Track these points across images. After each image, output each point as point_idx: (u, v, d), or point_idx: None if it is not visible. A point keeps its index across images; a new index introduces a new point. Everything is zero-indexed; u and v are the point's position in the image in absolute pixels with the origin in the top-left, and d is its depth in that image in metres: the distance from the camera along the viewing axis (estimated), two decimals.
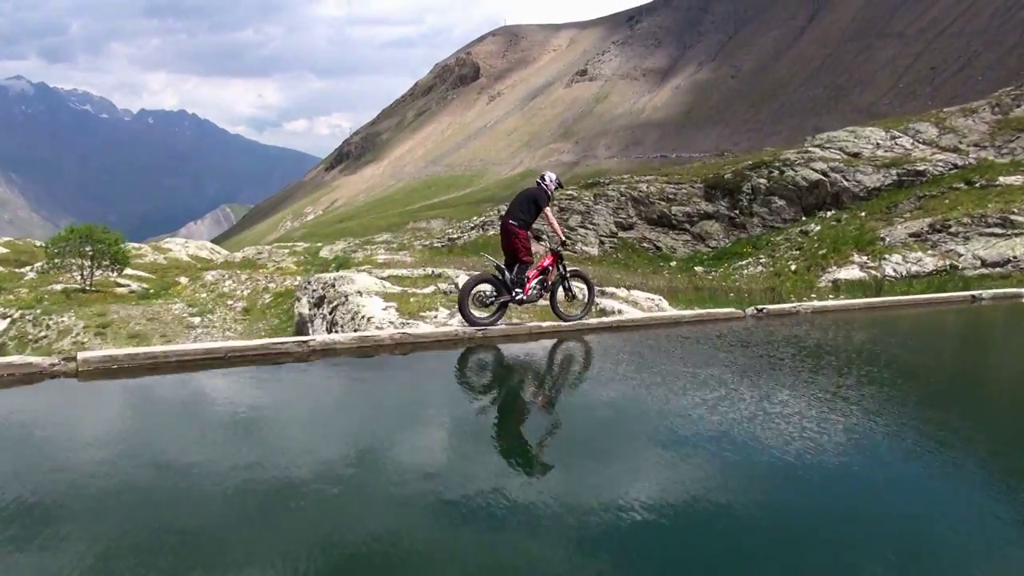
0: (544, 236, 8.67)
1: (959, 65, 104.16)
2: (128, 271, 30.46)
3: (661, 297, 13.78)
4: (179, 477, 3.64)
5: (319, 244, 57.61)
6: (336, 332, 14.80)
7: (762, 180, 27.32)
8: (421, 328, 11.63)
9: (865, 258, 20.25)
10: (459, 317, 12.70)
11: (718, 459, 3.98)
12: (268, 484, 3.53)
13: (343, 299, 15.55)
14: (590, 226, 29.07)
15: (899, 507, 3.47)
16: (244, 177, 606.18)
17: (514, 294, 7.68)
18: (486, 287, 7.74)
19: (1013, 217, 19.31)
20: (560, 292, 8.21)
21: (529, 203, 7.91)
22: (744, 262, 24.03)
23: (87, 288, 27.16)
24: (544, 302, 8.26)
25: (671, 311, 11.66)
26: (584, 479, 3.74)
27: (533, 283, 7.87)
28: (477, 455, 4.19)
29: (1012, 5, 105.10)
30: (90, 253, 27.09)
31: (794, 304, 9.17)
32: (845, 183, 25.58)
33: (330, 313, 15.77)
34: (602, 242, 28.55)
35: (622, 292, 14.08)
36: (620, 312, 11.63)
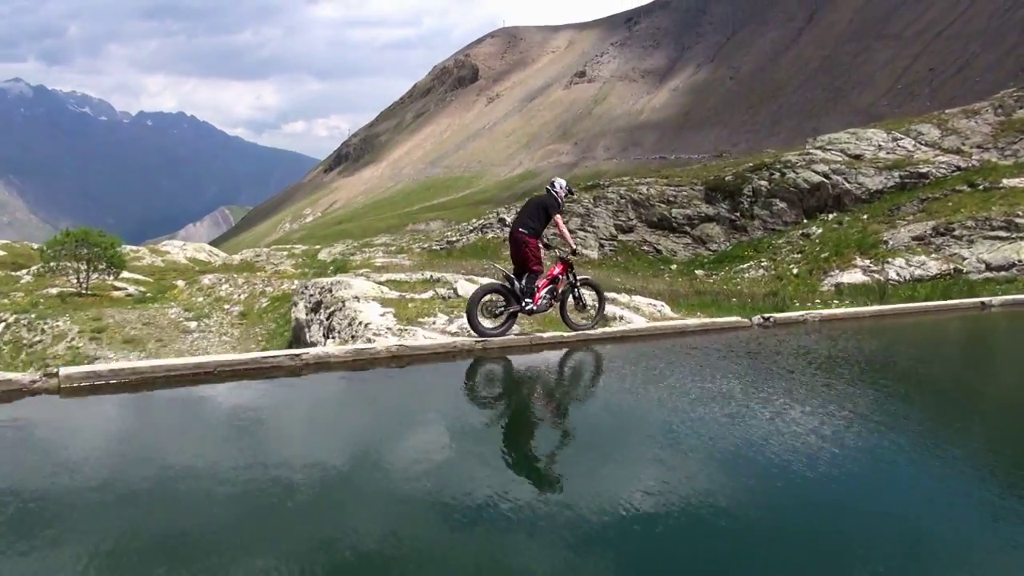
0: (554, 245, 8.45)
1: (957, 66, 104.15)
2: (125, 274, 30.24)
3: (663, 303, 13.56)
4: (165, 501, 3.44)
5: (318, 246, 57.41)
6: (333, 338, 14.58)
7: (763, 182, 27.12)
8: (419, 340, 11.42)
9: (868, 261, 20.04)
10: (457, 323, 12.53)
11: (730, 481, 3.77)
12: (261, 507, 3.33)
13: (340, 304, 15.29)
14: (590, 229, 28.86)
15: (936, 542, 3.26)
16: (243, 179, 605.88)
17: (524, 304, 7.49)
18: (495, 297, 7.55)
19: (1018, 220, 19.11)
20: (570, 301, 8.01)
21: (539, 211, 7.73)
22: (745, 265, 23.82)
23: (83, 292, 26.95)
24: (554, 312, 8.05)
25: (675, 318, 11.43)
26: (588, 502, 3.53)
27: (543, 292, 7.68)
28: (479, 474, 3.97)
29: (1010, 6, 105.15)
30: (86, 256, 26.87)
31: (801, 313, 8.95)
32: (847, 185, 25.38)
33: (327, 319, 15.52)
34: (602, 245, 28.34)
35: (624, 298, 13.86)
36: (622, 318, 11.41)
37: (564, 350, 7.31)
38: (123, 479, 3.78)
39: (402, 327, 12.38)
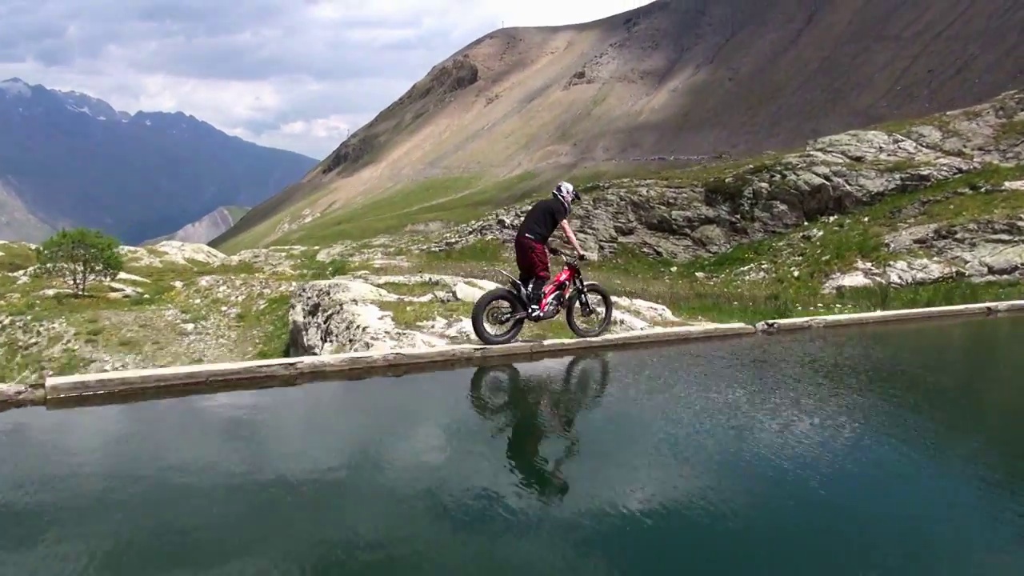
0: (561, 250, 8.30)
1: (956, 68, 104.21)
2: (122, 275, 30.06)
3: (664, 307, 13.41)
4: (155, 518, 3.30)
5: (316, 247, 57.28)
6: (330, 341, 14.43)
7: (763, 184, 27.00)
8: (416, 347, 11.27)
9: (869, 264, 19.93)
10: (456, 327, 12.37)
11: (737, 498, 3.62)
12: (255, 524, 3.19)
13: (338, 308, 15.13)
14: (589, 231, 28.73)
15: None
16: (242, 179, 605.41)
17: (530, 310, 7.36)
18: (501, 303, 7.42)
19: (1020, 223, 19.00)
20: (577, 307, 7.90)
21: (545, 216, 7.60)
22: (746, 268, 23.70)
23: (80, 293, 26.76)
24: (561, 318, 7.91)
25: (677, 323, 11.30)
26: (591, 518, 3.38)
27: (550, 299, 7.57)
28: (481, 491, 3.83)
29: (1009, 8, 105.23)
30: (83, 258, 26.68)
31: (805, 319, 8.80)
32: (848, 187, 25.26)
33: (324, 322, 15.36)
34: (602, 247, 28.21)
35: (624, 301, 13.71)
36: (622, 323, 11.26)
37: (566, 358, 7.16)
38: (112, 496, 3.64)
39: (400, 331, 12.23)
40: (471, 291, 15.25)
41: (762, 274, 22.65)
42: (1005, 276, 17.70)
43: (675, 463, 4.27)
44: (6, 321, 22.66)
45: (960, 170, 24.26)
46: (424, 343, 11.33)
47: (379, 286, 17.91)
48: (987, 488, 4.00)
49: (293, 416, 5.36)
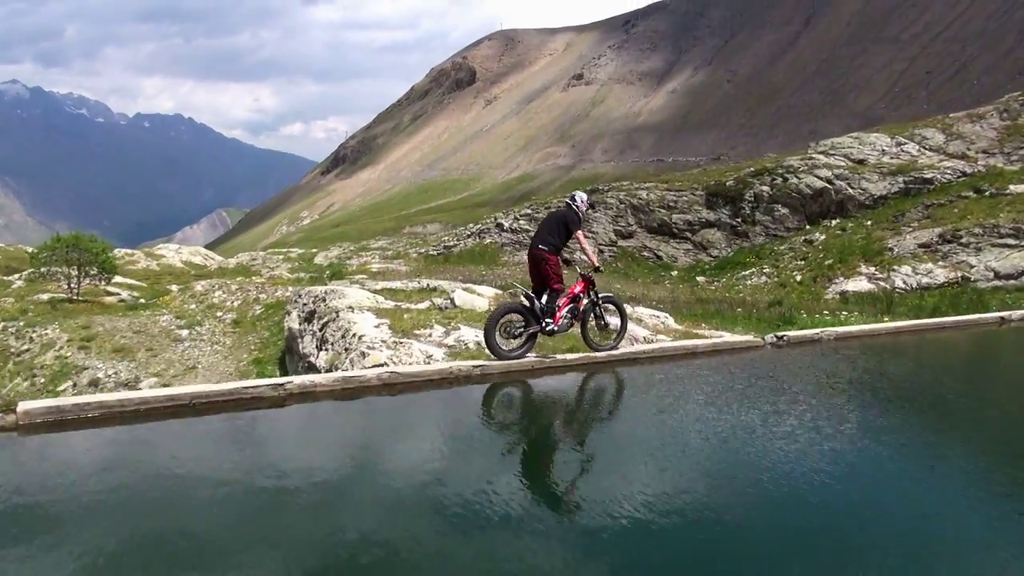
0: (574, 261, 8.02)
1: (954, 69, 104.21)
2: (118, 279, 29.77)
3: (667, 314, 13.13)
4: (134, 555, 3.01)
5: (314, 250, 57.03)
6: (326, 350, 14.15)
7: (765, 187, 26.74)
8: (412, 365, 10.97)
9: (873, 269, 19.66)
10: (454, 336, 12.09)
11: (755, 536, 3.34)
12: (239, 559, 2.90)
13: (334, 315, 14.84)
14: (589, 234, 28.44)
15: None
16: (240, 181, 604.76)
17: (544, 324, 7.13)
18: (515, 317, 7.18)
19: None
20: (591, 320, 7.67)
21: (559, 226, 7.37)
22: (747, 272, 23.42)
23: (74, 298, 26.45)
24: (575, 331, 7.64)
25: (680, 332, 11.01)
26: (598, 552, 3.10)
27: (564, 311, 7.33)
28: (481, 523, 3.54)
29: (1007, 9, 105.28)
30: (78, 262, 26.38)
31: (815, 330, 8.53)
32: (850, 191, 25.00)
33: (320, 330, 15.07)
34: (601, 251, 27.92)
35: (626, 308, 13.43)
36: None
37: (569, 375, 6.88)
38: (89, 531, 3.35)
39: (397, 339, 11.94)
40: (469, 298, 14.97)
41: (764, 279, 22.38)
42: (1012, 281, 17.44)
43: (684, 495, 3.99)
44: None
45: (964, 173, 24.00)
46: (421, 352, 11.06)
47: (376, 292, 17.62)
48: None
49: (282, 441, 5.06)
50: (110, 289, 28.55)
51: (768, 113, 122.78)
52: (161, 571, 3.01)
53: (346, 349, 12.92)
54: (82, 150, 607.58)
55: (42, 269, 27.93)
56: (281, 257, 49.81)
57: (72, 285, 26.53)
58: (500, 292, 16.40)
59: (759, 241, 25.83)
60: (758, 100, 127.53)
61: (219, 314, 24.00)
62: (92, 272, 27.22)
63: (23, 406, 4.68)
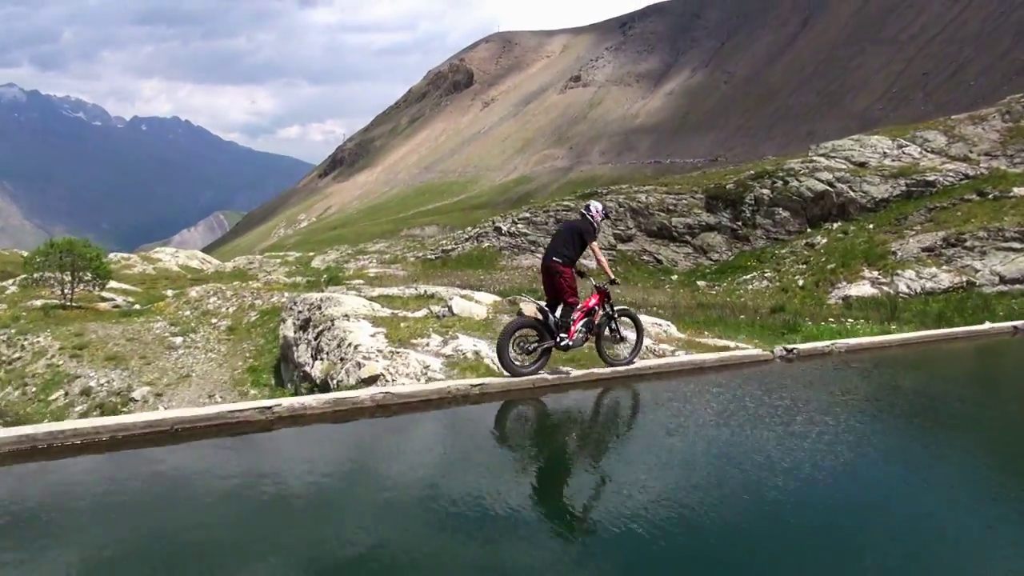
0: (588, 272, 7.75)
1: (951, 70, 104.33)
2: (113, 284, 29.49)
3: (668, 322, 12.86)
4: None
5: (311, 253, 56.75)
6: (321, 359, 13.87)
7: (765, 190, 26.50)
8: (411, 364, 10.70)
9: (876, 273, 19.41)
10: (452, 345, 11.81)
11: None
12: None
13: (329, 323, 14.54)
14: None
15: None
16: (238, 184, 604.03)
17: (558, 339, 6.88)
18: (528, 332, 6.94)
19: None
20: (607, 334, 7.45)
21: (574, 237, 7.13)
22: (748, 276, 23.16)
23: (68, 304, 26.15)
24: (587, 346, 7.39)
25: (683, 341, 10.73)
26: None
27: (579, 326, 7.08)
28: (486, 556, 3.26)
29: (1003, 11, 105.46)
30: (71, 267, 26.09)
31: (826, 343, 8.27)
32: (852, 194, 24.76)
33: (315, 338, 14.77)
34: None
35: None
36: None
37: (571, 393, 6.59)
38: (65, 570, 3.06)
39: (394, 349, 11.67)
40: (467, 306, 14.69)
41: (765, 283, 22.12)
42: (1018, 286, 17.21)
43: (697, 532, 3.71)
44: None
45: (967, 176, 23.77)
46: (418, 362, 10.79)
47: (372, 299, 17.32)
48: None
49: (271, 469, 4.76)
50: (104, 294, 28.26)
51: (766, 114, 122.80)
52: None
53: (341, 359, 12.64)
54: (79, 153, 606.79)
55: (35, 275, 27.67)
56: (278, 261, 49.53)
57: (66, 291, 26.25)
58: (499, 299, 16.12)
59: (760, 245, 25.58)
60: (756, 101, 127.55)
61: (214, 321, 23.68)
62: (86, 278, 26.95)
63: None
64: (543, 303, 7.22)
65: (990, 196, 21.55)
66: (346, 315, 14.68)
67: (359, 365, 11.29)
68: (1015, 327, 10.11)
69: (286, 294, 24.17)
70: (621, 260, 27.57)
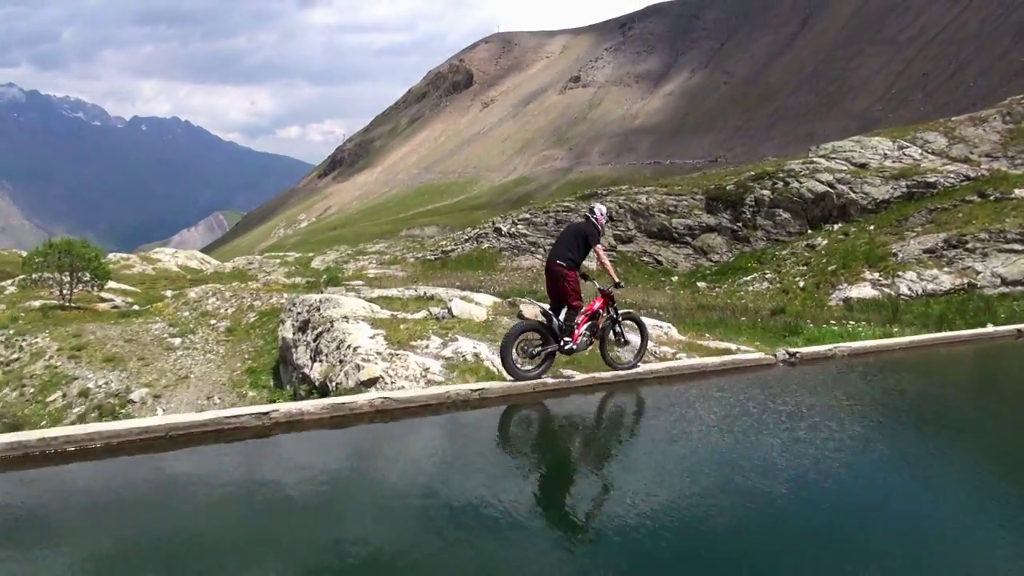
0: (592, 275, 7.69)
1: (950, 71, 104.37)
2: (112, 284, 29.44)
3: (669, 324, 12.79)
4: None
5: (311, 254, 56.72)
6: (320, 361, 13.80)
7: (766, 192, 26.45)
8: (410, 367, 10.63)
9: (877, 275, 19.35)
10: (451, 347, 11.74)
11: None
12: None
13: (328, 325, 14.47)
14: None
15: None
16: (237, 184, 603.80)
17: (562, 343, 6.82)
18: (532, 335, 6.88)
19: None
20: (611, 337, 7.38)
21: (578, 240, 7.05)
22: (749, 277, 23.11)
23: (66, 305, 26.08)
24: (588, 350, 7.34)
25: (684, 343, 10.68)
26: None
27: (582, 329, 7.02)
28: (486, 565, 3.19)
29: (1002, 12, 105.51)
30: (70, 267, 26.02)
31: (828, 347, 8.20)
32: (852, 195, 24.71)
33: (314, 340, 14.70)
34: None
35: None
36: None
37: (572, 397, 6.51)
38: None
39: (393, 351, 11.62)
40: (467, 307, 14.63)
41: (766, 284, 22.07)
42: (1019, 287, 17.15)
43: (702, 545, 3.64)
44: None
45: (968, 177, 23.72)
46: (418, 364, 10.72)
47: (372, 300, 17.27)
48: None
49: (268, 476, 4.69)
50: (103, 295, 28.20)
51: (765, 115, 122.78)
52: None
53: (340, 361, 12.58)
54: (79, 153, 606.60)
55: (34, 275, 27.62)
56: (278, 261, 49.51)
57: (64, 292, 26.18)
58: (499, 301, 16.05)
59: (760, 246, 25.53)
60: (755, 102, 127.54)
61: (212, 322, 23.61)
62: (85, 278, 26.89)
63: None
64: (545, 306, 7.16)
65: (991, 198, 21.49)
66: (345, 317, 14.61)
67: (358, 367, 11.23)
68: (1019, 330, 10.03)
69: (285, 295, 24.10)
70: (621, 261, 27.51)
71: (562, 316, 6.89)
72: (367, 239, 72.71)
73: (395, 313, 15.18)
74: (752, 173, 28.43)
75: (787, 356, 7.67)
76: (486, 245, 31.47)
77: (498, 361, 11.14)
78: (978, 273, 17.97)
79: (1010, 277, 17.43)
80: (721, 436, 5.39)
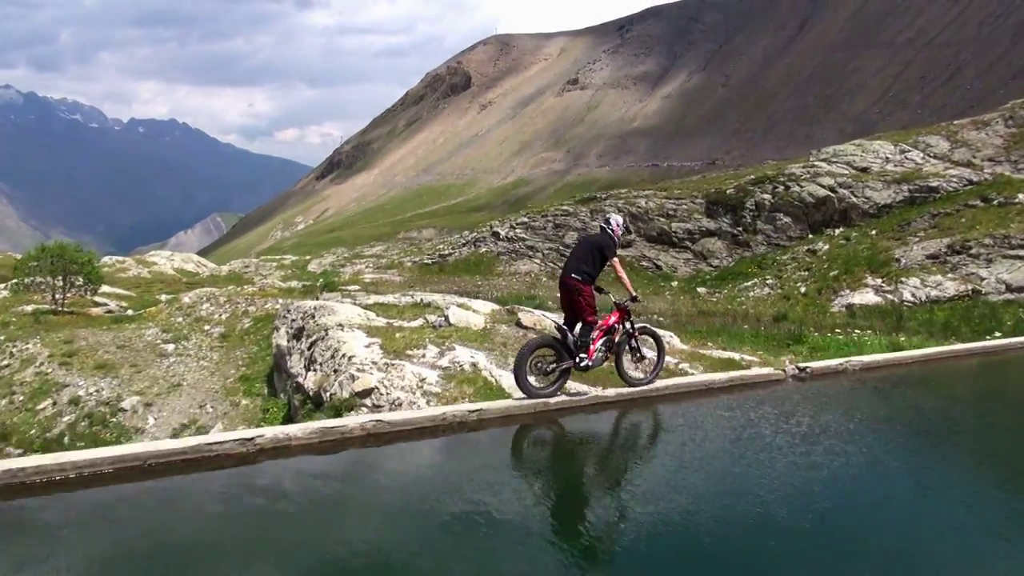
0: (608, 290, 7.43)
1: (948, 74, 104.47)
2: (106, 288, 29.14)
3: (672, 333, 12.51)
4: None
5: (307, 256, 56.45)
6: (314, 370, 13.51)
7: (766, 196, 26.21)
8: (406, 377, 10.35)
9: (880, 281, 19.10)
10: (448, 357, 11.46)
11: None
12: None
13: (323, 333, 14.18)
14: None
15: None
16: (235, 186, 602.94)
17: (578, 359, 6.56)
18: (546, 351, 6.62)
19: None
20: (627, 352, 7.14)
21: (593, 252, 6.80)
22: (749, 283, 22.86)
23: (59, 310, 25.76)
24: (604, 365, 7.08)
25: (687, 353, 10.40)
26: None
27: (598, 344, 6.76)
28: None
29: (999, 15, 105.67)
30: (62, 271, 25.70)
31: (839, 361, 7.92)
32: (854, 199, 24.47)
33: (308, 349, 14.41)
34: None
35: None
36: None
37: (575, 417, 6.22)
38: None
39: (389, 360, 11.34)
40: (464, 315, 14.36)
41: (767, 290, 21.81)
42: None
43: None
44: None
45: (970, 181, 23.48)
46: (414, 374, 10.44)
47: (367, 307, 16.99)
48: None
49: (252, 509, 4.39)
50: (97, 299, 27.89)
51: (762, 117, 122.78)
52: None
53: (335, 370, 12.31)
54: (76, 155, 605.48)
55: (26, 280, 27.32)
56: (274, 264, 49.23)
57: (57, 296, 25.86)
58: (497, 308, 15.77)
59: (761, 251, 25.29)
60: (753, 104, 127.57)
61: (206, 327, 23.30)
62: (77, 283, 26.59)
63: None
64: (553, 315, 6.90)
65: (995, 202, 21.25)
66: (340, 325, 14.32)
67: (353, 378, 10.96)
68: None
69: (280, 301, 23.80)
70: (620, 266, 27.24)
71: (577, 331, 6.64)
72: (364, 241, 72.44)
73: (391, 321, 14.90)
74: (752, 177, 28.17)
75: (797, 371, 7.40)
76: (484, 249, 31.19)
77: (496, 371, 10.88)
78: (982, 279, 17.73)
79: (1015, 284, 17.19)
80: (732, 462, 5.10)
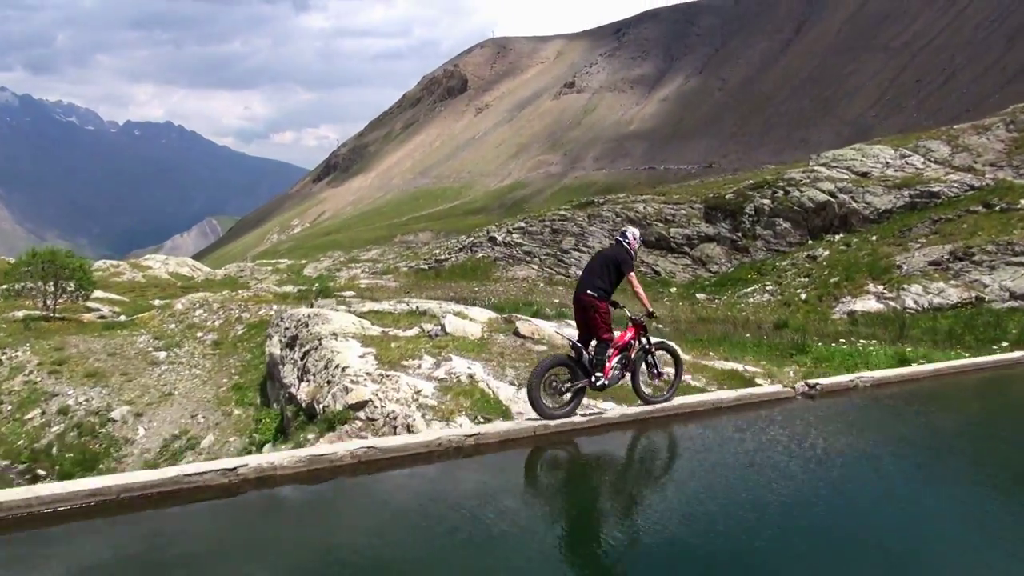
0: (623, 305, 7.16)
1: (943, 78, 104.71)
2: (99, 293, 28.77)
3: (673, 344, 12.22)
4: None
5: (303, 260, 56.12)
6: (307, 381, 13.22)
7: (765, 200, 25.98)
8: (401, 388, 10.08)
9: (881, 287, 18.87)
10: (444, 368, 11.18)
11: None
12: None
13: (316, 343, 13.88)
14: (584, 249, 27.60)
15: None
16: (231, 189, 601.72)
17: (593, 379, 6.36)
18: (560, 370, 6.41)
19: None
20: (643, 369, 6.94)
21: (609, 267, 6.56)
22: (749, 289, 22.61)
23: (50, 316, 25.40)
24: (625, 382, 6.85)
25: (689, 371, 10.12)
26: None
27: (614, 362, 6.56)
28: None
29: (995, 19, 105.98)
30: (54, 277, 25.34)
31: (850, 376, 7.68)
32: (854, 204, 24.26)
33: (302, 358, 14.10)
34: None
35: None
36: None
37: (576, 441, 5.94)
38: None
39: (383, 371, 11.07)
40: (461, 324, 14.06)
41: (767, 296, 21.57)
42: None
43: None
44: None
45: (972, 187, 23.28)
46: (409, 386, 10.17)
47: (362, 315, 16.68)
48: None
49: (235, 547, 4.09)
50: (90, 305, 27.53)
51: (759, 121, 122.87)
52: None
53: (328, 381, 12.02)
54: (72, 158, 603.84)
55: (17, 285, 26.98)
56: (270, 268, 48.88)
57: (48, 302, 25.50)
58: (494, 316, 15.47)
59: (760, 256, 25.05)
60: (749, 108, 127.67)
61: (199, 334, 22.96)
62: (69, 288, 26.24)
63: None
64: (551, 323, 6.63)
65: (997, 208, 21.04)
66: (334, 334, 14.02)
67: (346, 390, 10.69)
68: None
69: (274, 307, 23.47)
70: None
71: (592, 349, 6.43)
72: (361, 244, 72.15)
73: (386, 330, 14.59)
74: (751, 182, 27.97)
75: (806, 388, 7.14)
76: (480, 254, 30.91)
77: (493, 383, 10.60)
78: (986, 286, 17.50)
79: (1019, 291, 16.97)
80: (748, 492, 4.82)
